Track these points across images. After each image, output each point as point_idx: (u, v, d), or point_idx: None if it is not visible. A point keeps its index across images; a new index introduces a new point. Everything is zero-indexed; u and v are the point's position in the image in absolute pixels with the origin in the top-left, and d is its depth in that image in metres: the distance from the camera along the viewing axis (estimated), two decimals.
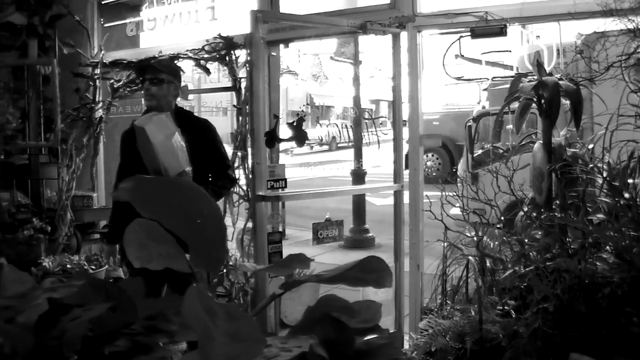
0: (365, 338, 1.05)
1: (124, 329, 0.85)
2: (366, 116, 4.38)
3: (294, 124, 4.06)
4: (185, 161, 3.72)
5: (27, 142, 6.01)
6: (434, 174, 15.42)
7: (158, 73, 3.97)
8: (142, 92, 4.09)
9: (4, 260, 3.71)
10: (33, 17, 5.75)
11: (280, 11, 5.25)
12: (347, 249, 9.94)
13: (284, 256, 4.79)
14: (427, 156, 15.72)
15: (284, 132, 4.20)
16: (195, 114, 4.74)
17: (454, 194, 4.45)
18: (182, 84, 5.83)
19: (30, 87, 5.93)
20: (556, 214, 3.63)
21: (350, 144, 9.66)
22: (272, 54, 5.04)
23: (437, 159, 16.07)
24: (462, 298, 4.26)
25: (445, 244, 4.47)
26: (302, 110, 4.35)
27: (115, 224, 4.14)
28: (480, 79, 6.55)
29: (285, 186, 4.33)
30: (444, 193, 4.33)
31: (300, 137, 4.07)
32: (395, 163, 4.74)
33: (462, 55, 5.12)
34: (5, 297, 0.83)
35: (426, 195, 4.76)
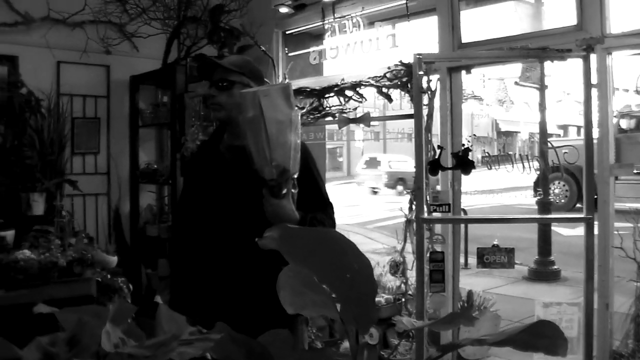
0: None
1: None
2: (549, 145, 4.15)
3: (459, 154, 4.05)
4: (296, 162, 2.67)
5: None
6: (562, 201, 15.50)
7: (227, 74, 2.94)
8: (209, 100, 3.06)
9: (159, 299, 3.83)
10: (222, 49, 6.03)
11: (462, 37, 5.18)
12: (531, 281, 9.54)
13: (448, 278, 4.75)
14: (554, 184, 15.41)
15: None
16: (380, 140, 4.74)
17: None
18: (364, 111, 5.90)
19: None
20: None
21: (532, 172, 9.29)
22: (428, 92, 4.96)
23: (563, 185, 15.64)
24: None
25: (639, 284, 4.12)
26: (468, 141, 4.32)
27: (181, 294, 3.04)
28: None
29: (449, 211, 4.40)
30: (637, 226, 4.01)
31: (465, 166, 4.04)
32: (586, 192, 4.45)
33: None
34: (142, 347, 0.82)
35: (617, 230, 4.41)
